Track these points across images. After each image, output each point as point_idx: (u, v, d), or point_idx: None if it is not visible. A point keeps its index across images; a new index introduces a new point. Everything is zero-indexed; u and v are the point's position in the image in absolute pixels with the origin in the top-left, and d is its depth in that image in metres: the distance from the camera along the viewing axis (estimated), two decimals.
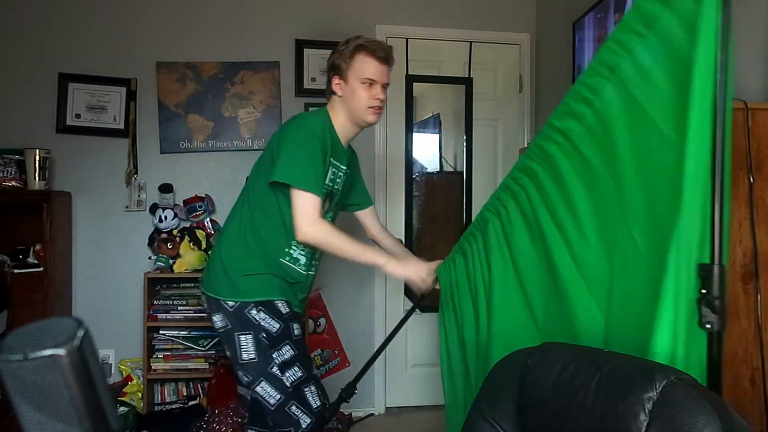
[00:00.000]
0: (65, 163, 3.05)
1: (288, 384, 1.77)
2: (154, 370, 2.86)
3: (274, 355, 1.77)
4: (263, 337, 1.77)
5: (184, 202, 3.05)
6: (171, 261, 2.89)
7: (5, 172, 2.74)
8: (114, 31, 3.10)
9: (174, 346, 2.88)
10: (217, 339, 2.90)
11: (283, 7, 3.24)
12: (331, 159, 1.85)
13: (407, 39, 3.35)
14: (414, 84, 3.36)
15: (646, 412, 1.00)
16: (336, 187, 1.92)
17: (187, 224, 3.04)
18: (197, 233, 2.95)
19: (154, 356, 2.86)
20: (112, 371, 3.07)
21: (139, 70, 3.11)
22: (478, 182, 3.44)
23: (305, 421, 1.77)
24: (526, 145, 2.83)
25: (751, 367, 1.52)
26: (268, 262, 1.83)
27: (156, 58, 3.12)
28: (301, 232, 1.75)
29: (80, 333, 0.69)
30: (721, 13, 1.05)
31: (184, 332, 2.89)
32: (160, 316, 2.83)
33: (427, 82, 3.41)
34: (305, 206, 1.74)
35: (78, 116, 3.05)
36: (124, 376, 3.02)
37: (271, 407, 1.77)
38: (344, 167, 1.95)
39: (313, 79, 3.23)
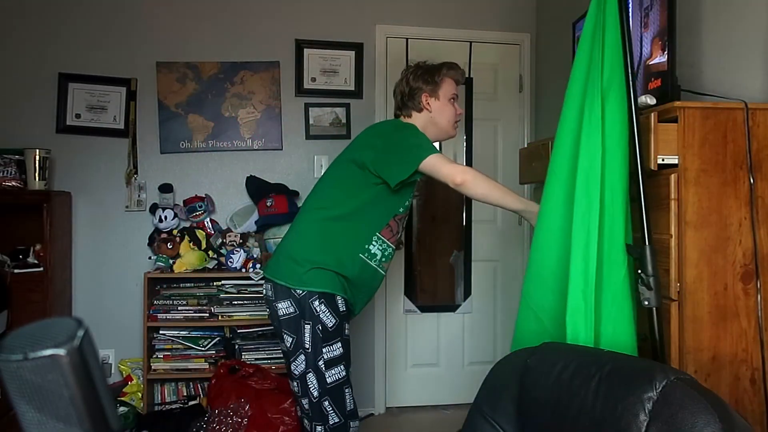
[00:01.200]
0: (65, 163, 3.05)
1: (328, 381, 1.86)
2: (154, 370, 2.86)
3: (324, 349, 1.86)
4: (319, 329, 1.86)
5: (184, 202, 3.05)
6: (171, 261, 2.89)
7: (5, 172, 2.73)
8: (114, 31, 3.10)
9: (174, 346, 2.88)
10: (217, 339, 2.90)
11: (283, 7, 3.24)
12: None
13: (407, 39, 3.35)
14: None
15: (646, 412, 1.00)
16: (414, 195, 2.08)
17: (187, 224, 3.04)
18: (197, 233, 2.96)
19: (154, 356, 2.86)
20: (112, 371, 3.07)
21: (139, 70, 3.11)
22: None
23: (333, 419, 1.87)
24: (526, 145, 2.83)
25: (751, 367, 1.52)
26: (340, 259, 1.90)
27: (156, 58, 3.12)
28: (458, 179, 1.82)
29: (80, 333, 0.69)
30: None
31: (184, 332, 2.89)
32: (160, 316, 2.83)
33: None
34: (441, 163, 1.85)
35: (78, 116, 3.05)
36: (124, 376, 3.02)
37: (313, 399, 1.88)
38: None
39: (313, 79, 3.23)
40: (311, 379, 1.87)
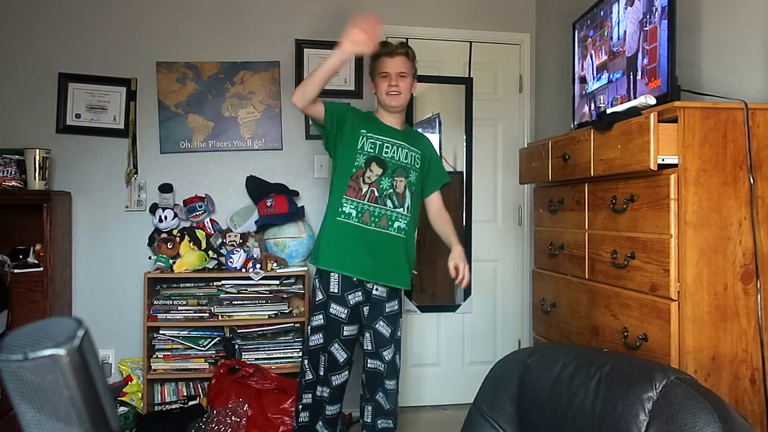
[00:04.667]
0: (65, 163, 3.05)
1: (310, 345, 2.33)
2: (154, 370, 2.86)
3: (311, 318, 2.34)
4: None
5: (184, 202, 3.05)
6: (171, 261, 2.89)
7: (5, 172, 2.73)
8: (114, 31, 3.10)
9: (174, 346, 2.88)
10: (217, 339, 2.91)
11: (283, 7, 3.24)
12: (364, 131, 2.33)
13: (407, 39, 3.35)
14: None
15: (646, 411, 1.00)
16: (384, 155, 2.32)
17: (187, 224, 3.04)
18: (197, 233, 2.95)
19: (154, 356, 2.86)
20: (112, 371, 3.07)
21: (139, 70, 3.11)
22: (478, 182, 3.44)
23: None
24: (526, 145, 2.83)
25: (751, 367, 1.52)
26: (324, 230, 2.37)
27: (156, 58, 3.12)
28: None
29: (80, 333, 0.69)
30: None
31: (184, 332, 2.89)
32: (160, 316, 2.83)
33: (427, 82, 3.40)
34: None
35: (78, 116, 3.06)
36: (124, 376, 3.02)
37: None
38: (395, 140, 2.36)
39: None
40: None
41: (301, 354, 2.35)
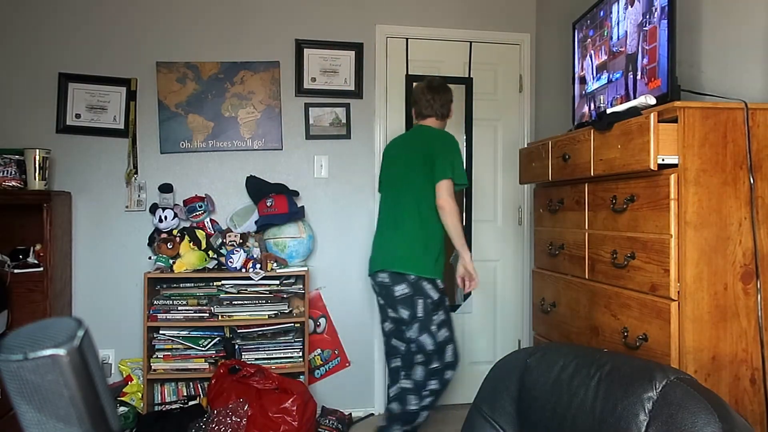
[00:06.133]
0: (65, 163, 3.05)
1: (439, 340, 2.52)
2: (154, 370, 2.86)
3: (434, 317, 2.49)
4: (429, 302, 2.48)
5: (184, 202, 3.05)
6: (171, 261, 2.89)
7: (5, 172, 2.73)
8: (114, 31, 3.10)
9: (174, 346, 2.88)
10: (217, 339, 2.91)
11: (283, 7, 3.24)
12: None
13: (407, 39, 3.35)
14: (414, 84, 3.36)
15: (646, 411, 1.00)
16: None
17: (187, 224, 3.04)
18: (197, 233, 2.95)
19: (154, 356, 2.86)
20: (112, 371, 3.07)
21: (139, 70, 3.12)
22: (478, 182, 3.44)
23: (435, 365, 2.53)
24: (526, 145, 2.83)
25: (751, 367, 1.52)
26: (435, 244, 2.53)
27: (156, 58, 3.12)
28: (440, 199, 2.49)
29: (80, 333, 0.69)
30: None
31: (184, 332, 2.89)
32: (160, 316, 2.83)
33: None
34: (449, 188, 2.51)
35: (78, 116, 3.06)
36: (124, 376, 3.02)
37: (429, 351, 2.51)
38: None
39: (313, 79, 3.23)
40: (425, 338, 2.56)
41: (434, 347, 2.52)
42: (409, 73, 3.35)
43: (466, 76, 3.41)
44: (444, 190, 2.47)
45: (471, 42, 3.40)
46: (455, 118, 3.47)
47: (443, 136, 2.63)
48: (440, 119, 2.71)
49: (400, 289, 2.48)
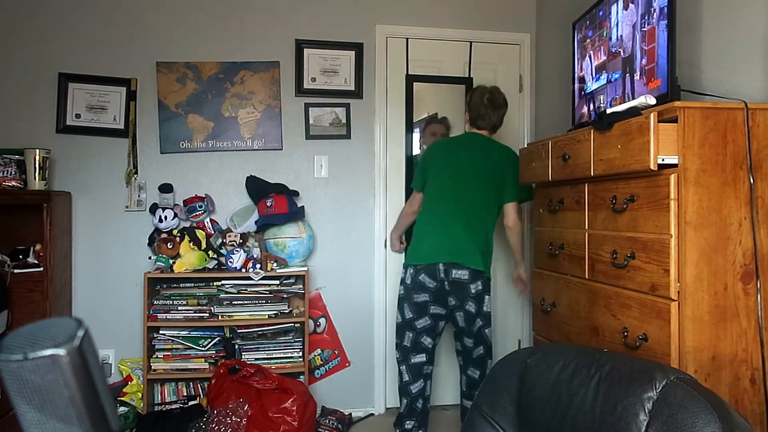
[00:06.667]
0: (65, 163, 3.05)
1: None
2: (154, 370, 2.86)
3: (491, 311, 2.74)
4: (489, 300, 2.70)
5: (184, 202, 3.05)
6: (171, 261, 2.89)
7: (5, 172, 2.73)
8: (114, 31, 3.10)
9: (174, 346, 2.88)
10: (217, 339, 2.91)
11: (283, 7, 3.24)
12: None
13: (407, 39, 3.35)
14: (414, 84, 3.37)
15: (646, 411, 1.00)
16: None
17: (187, 224, 3.04)
18: (197, 233, 2.95)
19: (154, 356, 2.86)
20: (112, 371, 3.07)
21: (139, 70, 3.11)
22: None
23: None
24: (526, 145, 2.83)
25: (751, 367, 1.52)
26: (492, 253, 2.75)
27: (156, 58, 3.12)
28: (513, 219, 2.75)
29: (80, 333, 0.69)
30: None
31: (184, 332, 2.89)
32: (160, 316, 2.83)
33: (427, 82, 3.41)
34: (517, 209, 2.79)
35: (78, 116, 3.06)
36: (124, 376, 3.02)
37: (489, 344, 2.72)
38: None
39: (313, 79, 3.23)
40: (490, 331, 2.79)
41: (492, 340, 2.76)
42: (409, 73, 3.35)
43: (466, 76, 3.41)
44: (514, 212, 2.74)
45: (471, 42, 3.40)
46: (456, 118, 3.47)
47: (510, 155, 2.75)
48: (492, 132, 2.85)
49: (475, 286, 2.60)
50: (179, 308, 2.86)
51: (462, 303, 2.62)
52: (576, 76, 2.43)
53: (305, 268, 3.00)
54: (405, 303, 2.71)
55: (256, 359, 2.89)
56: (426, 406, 2.76)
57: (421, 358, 2.72)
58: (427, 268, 2.62)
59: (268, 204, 3.00)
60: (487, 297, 2.65)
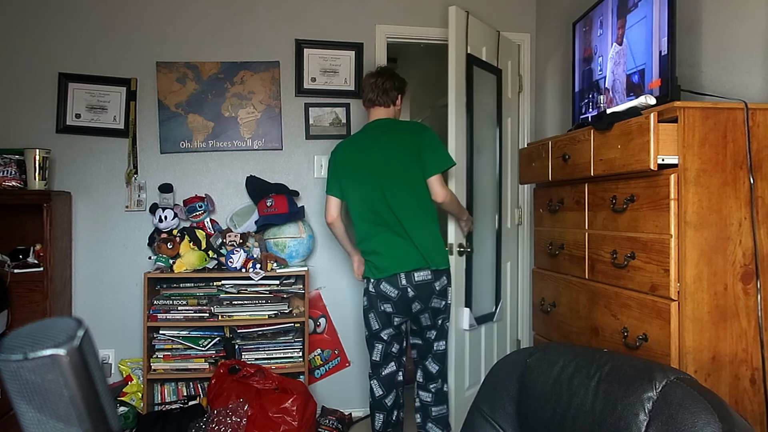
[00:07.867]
0: (65, 163, 3.05)
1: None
2: (154, 370, 2.86)
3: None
4: (451, 289, 2.60)
5: (184, 202, 3.05)
6: (171, 261, 2.89)
7: (5, 172, 2.74)
8: (114, 31, 3.10)
9: (174, 346, 2.88)
10: (217, 339, 2.91)
11: (283, 7, 3.24)
12: None
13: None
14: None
15: (646, 411, 1.00)
16: None
17: (187, 224, 3.04)
18: (197, 233, 2.96)
19: (154, 356, 2.86)
20: (112, 371, 3.07)
21: (139, 70, 3.12)
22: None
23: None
24: (526, 145, 2.83)
25: (751, 367, 1.52)
26: (441, 238, 2.55)
27: (156, 58, 3.12)
28: (442, 195, 2.47)
29: (80, 333, 0.69)
30: None
31: (184, 332, 2.89)
32: (160, 316, 2.83)
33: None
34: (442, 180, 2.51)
35: (78, 116, 3.06)
36: (124, 376, 3.02)
37: (446, 338, 2.63)
38: None
39: (313, 79, 3.23)
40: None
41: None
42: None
43: None
44: (438, 185, 2.45)
45: None
46: None
47: (418, 128, 2.55)
48: (392, 104, 2.58)
49: (440, 283, 2.49)
50: (179, 308, 2.86)
51: (428, 303, 2.47)
52: (576, 76, 2.42)
53: (305, 268, 3.00)
54: (370, 314, 2.54)
55: (256, 359, 2.89)
56: (400, 415, 2.64)
57: (391, 368, 2.59)
58: (388, 278, 2.45)
59: (268, 204, 3.00)
60: (449, 289, 2.54)
